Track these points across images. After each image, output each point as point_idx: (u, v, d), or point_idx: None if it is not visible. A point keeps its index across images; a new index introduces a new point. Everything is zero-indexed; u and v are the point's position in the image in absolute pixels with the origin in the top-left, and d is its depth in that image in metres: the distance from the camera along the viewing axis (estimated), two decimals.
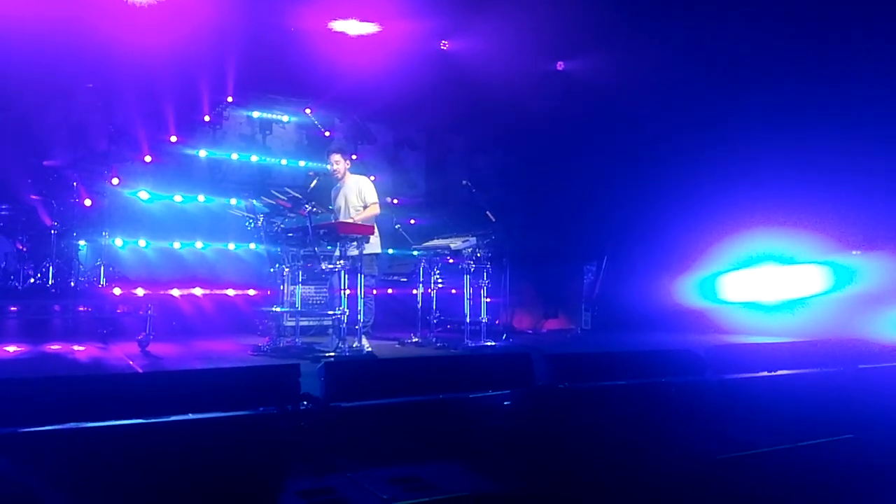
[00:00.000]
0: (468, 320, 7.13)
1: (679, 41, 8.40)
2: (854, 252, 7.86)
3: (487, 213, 7.68)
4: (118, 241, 8.11)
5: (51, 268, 6.74)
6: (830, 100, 7.70)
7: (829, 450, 3.77)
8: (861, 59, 7.44)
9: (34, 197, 7.12)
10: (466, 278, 7.18)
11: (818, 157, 7.66)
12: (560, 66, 10.36)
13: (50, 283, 6.70)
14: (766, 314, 8.59)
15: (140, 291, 6.94)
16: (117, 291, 6.85)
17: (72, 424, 2.72)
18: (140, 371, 4.96)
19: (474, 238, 7.11)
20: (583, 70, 10.08)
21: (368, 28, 9.06)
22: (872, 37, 7.42)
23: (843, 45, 7.56)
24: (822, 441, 3.80)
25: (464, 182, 8.01)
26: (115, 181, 7.80)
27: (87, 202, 7.39)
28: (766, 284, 8.72)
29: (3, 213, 6.87)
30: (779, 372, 4.64)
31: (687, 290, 9.07)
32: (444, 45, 9.86)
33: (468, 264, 7.14)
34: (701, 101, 8.61)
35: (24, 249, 6.82)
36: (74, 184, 7.24)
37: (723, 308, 8.91)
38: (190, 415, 3.02)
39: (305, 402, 3.25)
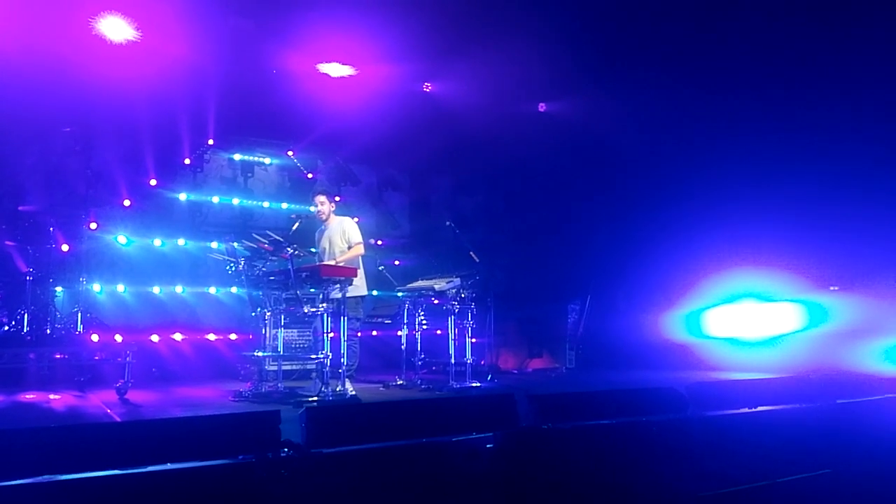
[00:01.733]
0: (453, 361, 7.08)
1: (660, 84, 8.58)
2: (832, 289, 7.96)
3: (471, 253, 7.70)
4: (96, 287, 8.00)
5: (26, 315, 6.60)
6: (807, 144, 7.92)
7: (807, 485, 3.76)
8: (836, 104, 7.66)
9: (9, 243, 7.00)
10: (451, 319, 7.15)
11: (796, 198, 7.87)
12: (542, 107, 10.51)
13: (25, 330, 6.55)
14: (748, 350, 8.65)
15: (118, 337, 6.81)
16: (95, 338, 6.72)
17: (46, 477, 2.65)
18: (118, 420, 4.87)
19: (458, 279, 7.11)
20: (565, 111, 10.25)
21: (351, 70, 9.16)
22: (847, 83, 7.64)
23: (820, 89, 7.79)
24: (800, 477, 3.79)
25: (447, 223, 8.05)
26: (93, 226, 7.70)
27: (65, 247, 7.28)
28: (746, 321, 8.81)
29: None
30: (759, 408, 4.68)
31: (669, 326, 9.12)
32: (427, 87, 9.99)
33: (452, 305, 7.13)
34: (682, 143, 8.78)
35: None
36: (51, 229, 7.14)
37: (706, 343, 8.98)
38: (168, 465, 2.95)
39: (286, 450, 3.18)
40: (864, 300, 7.45)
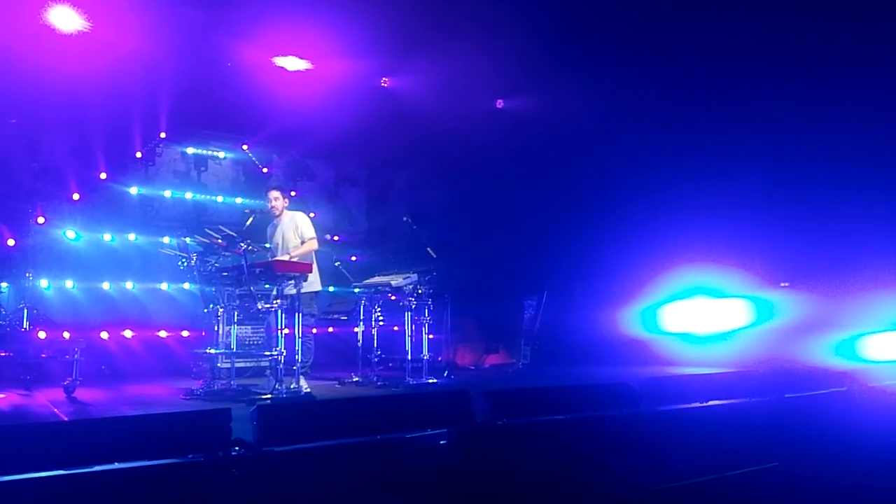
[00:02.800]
0: (410, 358, 7.09)
1: (616, 81, 8.70)
2: (782, 285, 8.19)
3: (428, 249, 7.71)
4: (43, 283, 7.81)
5: None
6: (760, 141, 8.10)
7: (756, 478, 3.87)
8: (788, 101, 7.84)
9: None
10: (408, 315, 7.16)
11: (748, 196, 8.06)
12: (500, 104, 10.57)
13: None
14: (700, 345, 8.84)
15: (66, 335, 6.65)
16: (42, 335, 6.54)
17: None
18: (65, 419, 4.76)
19: (415, 275, 7.12)
20: (522, 108, 10.32)
21: (308, 64, 9.07)
22: (796, 79, 7.84)
23: (771, 86, 7.97)
24: (749, 470, 3.89)
25: (405, 219, 8.05)
26: (40, 220, 7.50)
27: (10, 242, 7.09)
28: (699, 316, 9.01)
29: None
30: (710, 402, 4.74)
31: (625, 322, 9.27)
32: (385, 82, 9.96)
33: (409, 301, 7.13)
34: (637, 140, 8.91)
35: None
36: None
37: (660, 339, 9.13)
38: (116, 464, 2.90)
39: (237, 448, 3.15)
40: (814, 297, 7.64)
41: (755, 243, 8.01)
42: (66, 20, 7.45)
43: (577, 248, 9.48)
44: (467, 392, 4.10)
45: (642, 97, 8.70)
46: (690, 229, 8.36)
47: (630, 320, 9.28)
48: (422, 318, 7.21)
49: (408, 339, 7.14)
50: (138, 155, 8.92)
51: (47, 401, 5.61)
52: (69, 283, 8.09)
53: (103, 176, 8.46)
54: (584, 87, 8.96)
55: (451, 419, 3.81)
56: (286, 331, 5.92)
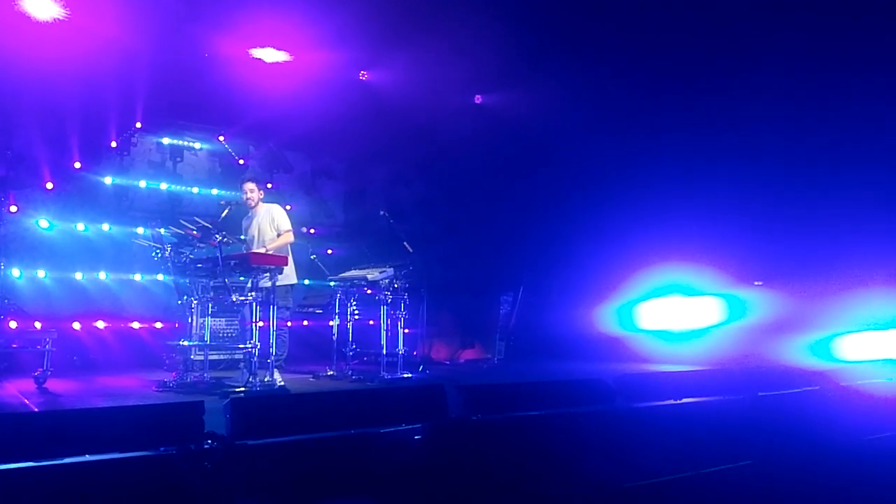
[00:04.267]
0: (385, 352, 7.10)
1: (594, 80, 8.76)
2: (756, 283, 8.30)
3: (405, 243, 7.71)
4: (15, 272, 7.70)
5: None
6: (735, 140, 8.19)
7: (729, 476, 3.89)
8: (761, 100, 7.93)
9: None
10: (383, 309, 7.16)
11: (723, 195, 8.12)
12: (478, 99, 10.60)
13: None
14: (675, 342, 8.95)
15: (38, 325, 6.57)
16: (13, 325, 6.47)
17: None
18: (35, 410, 4.71)
19: (392, 269, 7.13)
20: (500, 104, 10.35)
21: (285, 56, 9.02)
22: (768, 78, 7.94)
23: (742, 85, 8.06)
24: (723, 468, 3.91)
25: (381, 212, 8.05)
26: (13, 208, 7.39)
27: None
28: (674, 314, 9.12)
29: None
30: (684, 400, 4.78)
31: (600, 319, 9.35)
32: (363, 75, 9.93)
33: (385, 295, 7.14)
34: (614, 138, 8.96)
35: None
36: None
37: (635, 336, 9.22)
38: (87, 456, 2.89)
39: (210, 441, 3.16)
40: (788, 296, 7.75)
41: (730, 242, 8.09)
42: (41, 8, 7.33)
43: (554, 245, 9.56)
44: (442, 387, 4.12)
45: (620, 95, 8.78)
46: (666, 227, 8.44)
47: (605, 317, 9.38)
48: (397, 312, 7.23)
49: (383, 334, 7.14)
50: (113, 144, 8.82)
51: (17, 391, 5.56)
52: (41, 273, 7.99)
53: (77, 165, 8.36)
54: (562, 83, 9.01)
55: (426, 414, 3.84)
56: (261, 323, 5.92)
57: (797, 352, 7.30)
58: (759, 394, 5.00)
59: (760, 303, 8.10)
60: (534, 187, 9.91)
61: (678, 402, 4.75)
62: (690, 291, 8.94)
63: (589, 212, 9.27)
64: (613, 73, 8.66)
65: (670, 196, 8.53)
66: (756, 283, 8.30)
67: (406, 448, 3.53)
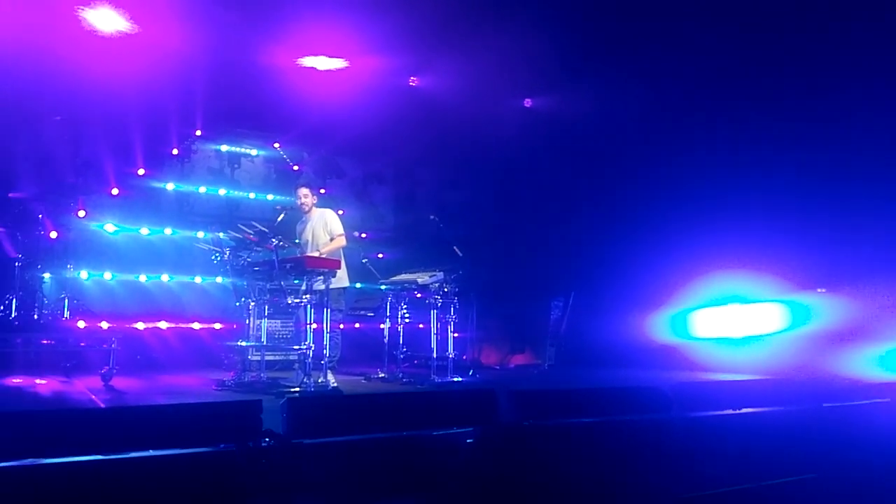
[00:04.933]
0: (435, 355, 7.13)
1: (648, 78, 8.60)
2: (819, 290, 8.04)
3: (455, 248, 7.74)
4: (83, 274, 8.03)
5: (14, 300, 6.65)
6: (796, 145, 7.92)
7: (792, 489, 3.78)
8: (825, 103, 7.67)
9: None
10: (433, 313, 7.20)
11: (786, 199, 7.86)
12: (527, 102, 10.57)
13: (13, 315, 6.60)
14: (732, 350, 8.70)
15: (104, 325, 6.85)
16: (81, 324, 6.76)
17: (31, 461, 2.70)
18: (102, 406, 4.90)
19: (441, 273, 7.16)
20: (551, 106, 10.27)
21: (337, 64, 9.19)
22: (835, 80, 7.69)
23: (808, 88, 7.82)
24: (785, 480, 3.80)
25: (431, 217, 8.09)
26: (81, 213, 7.74)
27: (53, 234, 7.32)
28: (732, 321, 8.85)
29: None
30: (744, 410, 4.66)
31: (654, 326, 9.16)
32: (413, 81, 10.03)
33: (435, 299, 7.17)
34: (671, 141, 8.77)
35: None
36: (40, 216, 7.19)
37: (690, 344, 9.00)
38: (150, 451, 3.00)
39: (267, 439, 3.24)
40: (854, 303, 7.47)
41: (792, 246, 7.80)
42: (107, 22, 7.65)
43: (606, 250, 9.41)
44: (493, 391, 4.09)
45: (674, 95, 8.61)
46: (724, 232, 8.21)
47: (659, 325, 9.19)
48: (447, 316, 7.23)
49: (433, 337, 7.18)
50: (175, 152, 9.18)
51: (86, 388, 5.78)
52: (108, 275, 8.30)
53: (141, 172, 8.72)
54: (614, 85, 8.88)
55: (477, 418, 3.83)
56: (314, 325, 6.05)
57: (864, 362, 7.02)
58: (824, 405, 4.85)
59: (824, 310, 7.81)
60: (586, 191, 9.80)
61: (738, 411, 4.62)
62: (749, 299, 8.67)
63: (643, 216, 9.11)
64: (667, 73, 8.49)
65: (728, 199, 8.31)
66: (819, 290, 8.02)
67: (457, 451, 3.55)
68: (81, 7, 7.35)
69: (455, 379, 7.07)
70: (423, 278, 7.14)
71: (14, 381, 6.07)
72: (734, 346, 8.73)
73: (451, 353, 7.19)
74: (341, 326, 7.03)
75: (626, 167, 9.38)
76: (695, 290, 8.84)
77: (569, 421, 4.04)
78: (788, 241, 7.82)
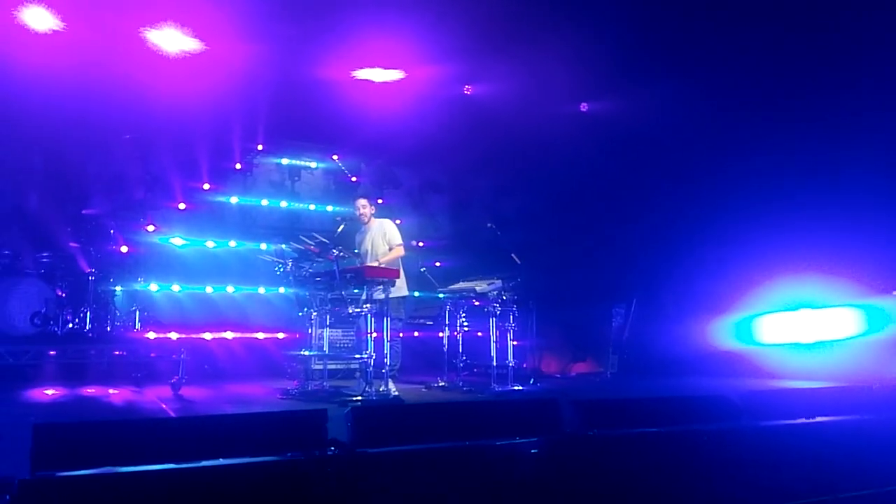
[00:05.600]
0: (495, 364, 7.09)
1: (706, 80, 8.38)
2: (894, 293, 7.68)
3: (513, 255, 7.69)
4: (153, 287, 8.30)
5: (88, 313, 6.93)
6: (869, 141, 7.60)
7: (875, 502, 3.64)
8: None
9: (73, 244, 7.37)
10: (492, 321, 7.16)
11: (858, 199, 7.56)
12: (584, 107, 10.43)
13: (87, 327, 6.87)
14: (802, 356, 8.36)
15: (173, 335, 7.06)
16: (151, 336, 6.99)
17: (107, 469, 2.78)
18: (173, 415, 5.03)
19: (500, 281, 7.12)
20: (608, 109, 10.09)
21: (393, 74, 9.28)
22: None
23: (880, 85, 7.51)
24: (864, 493, 3.66)
25: (489, 225, 8.06)
26: (150, 228, 8.05)
27: (124, 249, 7.62)
28: (802, 327, 8.52)
29: (44, 260, 7.11)
30: (817, 419, 4.49)
31: (719, 332, 8.89)
32: (468, 89, 10.04)
33: (494, 307, 7.13)
34: (732, 141, 8.52)
35: (63, 295, 7.03)
36: (112, 231, 7.51)
37: (756, 350, 8.70)
38: (220, 460, 3.05)
39: (333, 448, 3.27)
40: None
41: (865, 248, 7.50)
42: (173, 42, 7.92)
43: (668, 255, 9.18)
44: (556, 401, 4.04)
45: (741, 97, 8.35)
46: (793, 235, 7.92)
47: (724, 331, 8.91)
48: (506, 324, 7.19)
49: (493, 345, 7.14)
50: (238, 166, 9.45)
51: (156, 397, 5.96)
52: (176, 287, 8.56)
53: (206, 186, 9.00)
54: (673, 86, 8.68)
55: (540, 428, 3.78)
56: (375, 334, 6.09)
57: None
58: None
59: None
60: (646, 195, 9.58)
61: (811, 420, 4.44)
62: (821, 304, 8.32)
63: (706, 219, 8.86)
64: (731, 71, 8.24)
65: (797, 200, 8.00)
66: (894, 293, 7.65)
67: (522, 461, 3.51)
68: (148, 29, 7.64)
69: (515, 387, 7.01)
70: (481, 286, 7.11)
71: (88, 390, 6.31)
72: (804, 352, 8.39)
73: (510, 361, 7.13)
74: (401, 335, 7.06)
75: (687, 169, 9.14)
76: (760, 294, 8.54)
77: (636, 431, 3.94)
78: (862, 243, 7.49)
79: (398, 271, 6.63)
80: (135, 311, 7.31)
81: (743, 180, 8.54)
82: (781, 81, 8.09)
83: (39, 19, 7.07)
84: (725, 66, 8.28)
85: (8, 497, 2.48)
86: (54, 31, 7.15)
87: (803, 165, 8.09)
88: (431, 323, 8.71)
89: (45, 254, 7.18)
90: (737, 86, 8.34)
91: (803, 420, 4.46)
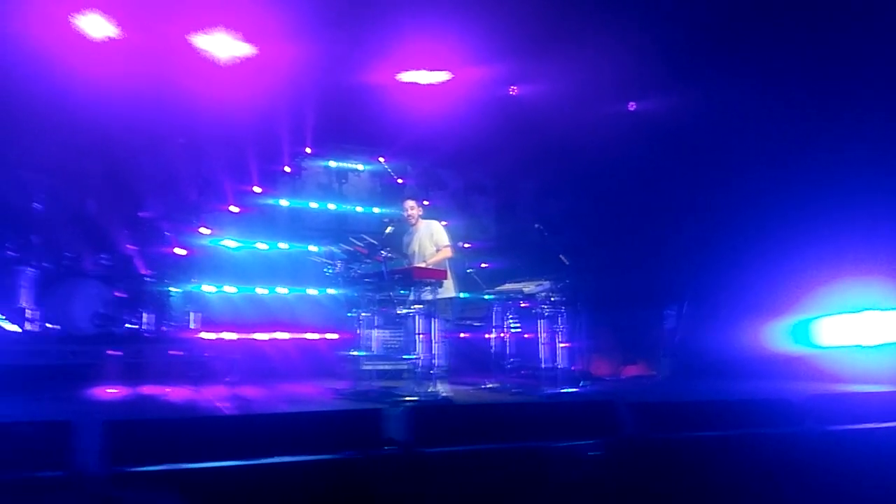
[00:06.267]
0: (543, 366, 7.02)
1: (762, 74, 8.17)
2: None
3: (561, 256, 7.61)
4: (207, 288, 8.45)
5: (145, 314, 7.09)
6: None
7: None
8: None
9: (130, 246, 7.56)
10: (540, 323, 7.09)
11: None
12: (632, 106, 10.28)
13: (144, 328, 7.04)
14: (865, 359, 8.05)
15: (227, 336, 7.19)
16: (206, 336, 7.14)
17: (167, 466, 2.83)
18: (228, 413, 5.11)
19: (548, 282, 7.06)
20: (657, 108, 9.91)
21: (438, 76, 9.28)
22: None
23: None
24: None
25: (536, 225, 7.99)
26: (203, 230, 8.20)
27: (178, 251, 7.78)
28: (866, 329, 8.22)
29: (103, 262, 7.30)
30: (887, 423, 4.32)
31: (775, 335, 8.64)
32: (513, 90, 9.99)
33: (542, 308, 7.07)
34: (794, 137, 8.26)
35: (122, 296, 7.20)
36: (167, 233, 7.67)
37: (814, 353, 8.43)
38: (277, 458, 3.08)
39: (388, 448, 3.27)
40: None
41: None
42: (223, 47, 8.07)
43: (721, 256, 8.94)
44: (613, 403, 3.99)
45: (799, 90, 8.10)
46: (855, 234, 7.65)
47: (780, 333, 8.66)
48: (555, 325, 7.12)
49: (541, 347, 7.07)
50: (287, 169, 9.58)
51: (212, 396, 6.06)
52: (229, 289, 8.72)
53: (257, 189, 9.15)
54: (725, 82, 8.49)
55: (597, 430, 3.73)
56: (423, 335, 6.09)
57: None
58: None
59: None
60: (698, 194, 9.36)
61: (880, 425, 4.28)
62: (887, 306, 8.01)
63: (760, 219, 8.61)
64: (785, 72, 8.02)
65: (858, 199, 7.71)
66: None
67: (580, 464, 3.46)
68: (200, 34, 7.80)
69: (566, 390, 6.92)
70: (529, 287, 7.06)
71: (147, 389, 6.43)
72: (867, 355, 8.08)
73: (560, 363, 7.05)
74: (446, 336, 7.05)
75: (741, 167, 8.88)
76: (818, 296, 8.27)
77: (696, 434, 3.86)
78: None
79: (446, 272, 6.62)
80: (189, 311, 7.47)
81: (801, 177, 8.27)
82: (842, 77, 7.82)
83: (96, 27, 7.28)
84: (780, 62, 8.05)
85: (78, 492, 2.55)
86: (110, 38, 7.35)
87: (867, 161, 7.80)
88: (479, 324, 8.69)
89: (104, 256, 7.36)
90: (793, 82, 8.10)
91: (871, 425, 4.29)
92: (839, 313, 8.35)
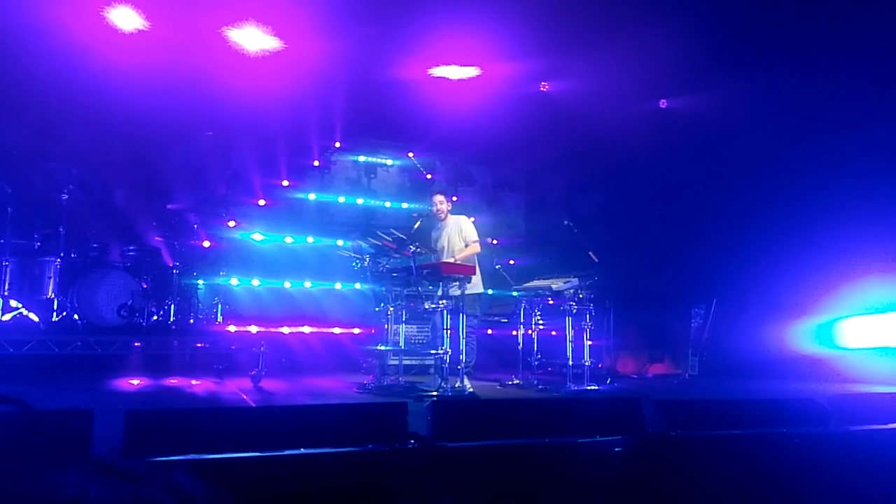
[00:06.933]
0: (570, 363, 6.97)
1: (794, 74, 8.02)
2: None
3: (590, 253, 7.53)
4: (233, 281, 8.52)
5: (172, 306, 7.15)
6: None
7: None
8: None
9: (158, 238, 7.65)
10: (568, 320, 7.04)
11: None
12: (663, 104, 10.14)
13: (171, 320, 7.10)
14: (891, 361, 7.89)
15: (253, 329, 7.23)
16: (232, 329, 7.19)
17: (193, 455, 2.84)
18: (253, 405, 5.15)
19: (576, 279, 6.99)
20: (688, 107, 9.79)
21: (468, 72, 9.24)
22: None
23: None
24: None
25: (566, 222, 7.92)
26: (231, 223, 8.26)
27: (206, 243, 7.85)
28: (891, 330, 8.06)
29: (130, 253, 7.37)
30: None
31: (804, 335, 8.50)
32: (544, 86, 9.90)
33: (570, 306, 7.01)
34: (823, 136, 8.13)
35: (148, 288, 7.25)
36: (195, 226, 7.73)
37: (843, 355, 8.28)
38: (302, 449, 3.08)
39: (413, 441, 3.26)
40: None
41: None
42: (253, 40, 8.12)
43: (750, 255, 8.81)
44: (638, 400, 3.95)
45: (827, 89, 7.93)
46: (881, 234, 7.50)
47: (805, 334, 8.51)
48: (583, 323, 7.05)
49: (568, 344, 7.02)
50: (316, 163, 9.63)
51: (237, 388, 6.11)
52: (255, 282, 8.78)
53: (285, 183, 9.21)
54: (755, 82, 8.34)
55: (621, 427, 3.69)
56: (450, 330, 6.07)
57: None
58: None
59: None
60: (725, 194, 9.24)
61: None
62: None
63: (789, 219, 8.48)
64: (817, 64, 7.83)
65: (883, 199, 7.55)
66: None
67: (604, 460, 3.42)
68: (230, 28, 7.86)
69: (591, 387, 6.86)
70: (557, 284, 7.00)
71: (171, 381, 6.52)
72: (893, 356, 7.91)
73: (586, 360, 6.99)
74: (475, 332, 7.02)
75: (769, 166, 8.77)
76: (843, 297, 8.12)
77: (721, 433, 3.80)
78: None
79: (474, 268, 6.59)
80: (216, 304, 7.52)
81: (828, 177, 8.13)
82: (867, 77, 7.64)
83: (126, 19, 7.35)
84: (814, 60, 7.88)
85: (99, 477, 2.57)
86: (140, 30, 7.42)
87: (892, 161, 7.63)
88: (506, 321, 8.65)
89: (131, 247, 7.41)
90: (820, 82, 7.93)
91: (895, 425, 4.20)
92: (864, 314, 8.19)
